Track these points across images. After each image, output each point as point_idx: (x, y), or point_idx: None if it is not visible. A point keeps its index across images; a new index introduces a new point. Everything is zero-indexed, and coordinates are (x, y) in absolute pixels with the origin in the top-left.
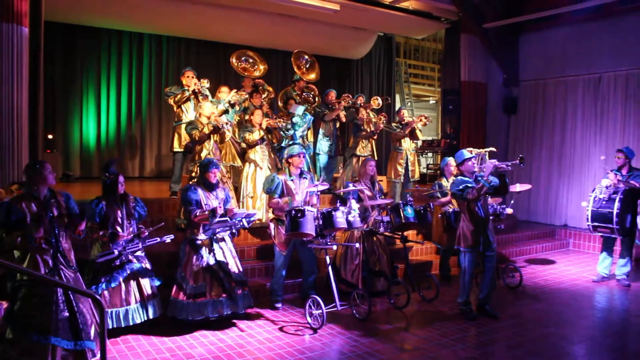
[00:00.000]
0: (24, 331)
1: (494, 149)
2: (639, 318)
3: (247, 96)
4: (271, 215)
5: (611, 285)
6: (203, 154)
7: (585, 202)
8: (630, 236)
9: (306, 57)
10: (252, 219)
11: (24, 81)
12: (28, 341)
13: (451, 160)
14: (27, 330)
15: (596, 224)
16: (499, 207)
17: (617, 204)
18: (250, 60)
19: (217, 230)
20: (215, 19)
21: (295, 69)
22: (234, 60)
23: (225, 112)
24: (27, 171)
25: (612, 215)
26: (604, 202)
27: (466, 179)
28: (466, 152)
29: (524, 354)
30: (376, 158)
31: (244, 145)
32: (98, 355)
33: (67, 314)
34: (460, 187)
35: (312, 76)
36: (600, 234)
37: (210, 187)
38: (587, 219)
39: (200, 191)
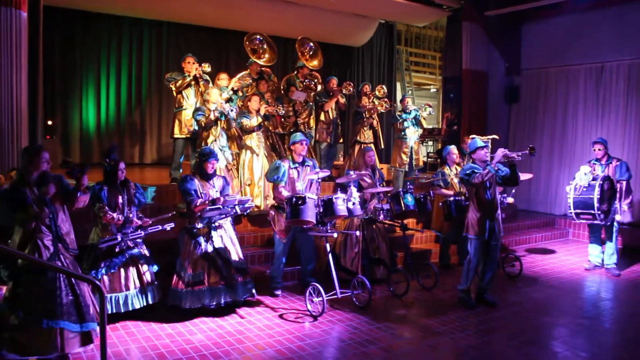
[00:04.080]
0: (32, 316)
1: (496, 137)
2: (633, 306)
3: (250, 82)
4: (270, 203)
5: (604, 273)
6: (209, 141)
7: (569, 187)
8: (612, 221)
9: (311, 44)
10: (246, 205)
11: (23, 66)
12: (38, 326)
13: (453, 149)
14: (35, 315)
15: (578, 211)
16: (500, 196)
17: (597, 190)
18: (264, 46)
19: (214, 218)
20: (216, 5)
21: (299, 56)
22: (246, 42)
23: (229, 100)
24: (23, 156)
25: (593, 201)
26: (584, 189)
27: (475, 165)
28: (479, 141)
29: (523, 342)
30: (382, 146)
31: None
32: None
33: (71, 297)
34: (468, 172)
35: (315, 63)
36: (583, 221)
37: (207, 177)
38: (569, 207)
39: (196, 181)
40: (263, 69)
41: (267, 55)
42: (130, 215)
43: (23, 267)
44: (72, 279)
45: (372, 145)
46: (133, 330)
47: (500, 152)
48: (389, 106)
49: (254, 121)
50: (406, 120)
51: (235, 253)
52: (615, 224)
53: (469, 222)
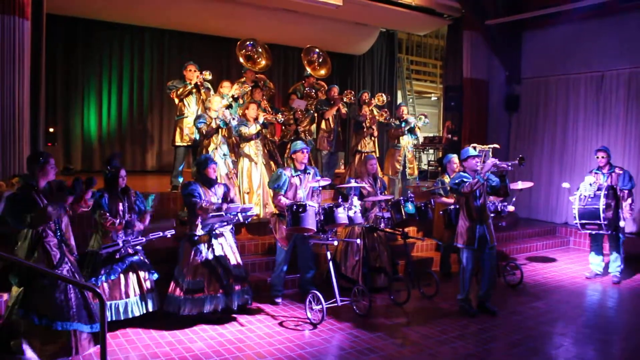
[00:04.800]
0: (45, 320)
1: (497, 146)
2: (635, 316)
3: (249, 89)
4: (270, 210)
5: (606, 282)
6: (210, 149)
7: (566, 184)
8: (616, 231)
9: (317, 50)
10: (248, 213)
11: (26, 74)
12: (50, 329)
13: (454, 158)
14: (51, 319)
15: (584, 221)
16: (500, 204)
17: (602, 200)
18: (258, 50)
19: (215, 225)
20: (217, 14)
21: (306, 64)
22: (238, 53)
23: (229, 106)
24: (32, 163)
25: (599, 211)
26: (589, 199)
27: (465, 174)
28: (471, 150)
29: (523, 351)
30: (378, 155)
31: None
32: None
33: (80, 299)
34: (457, 181)
35: (323, 72)
36: (588, 231)
37: (209, 184)
38: (575, 217)
39: (199, 186)
40: (257, 75)
41: (263, 62)
42: (132, 219)
43: (31, 273)
44: (78, 282)
45: (373, 154)
46: (133, 338)
47: (491, 162)
48: (387, 118)
49: (252, 129)
50: (400, 128)
51: (235, 261)
52: (620, 234)
53: (459, 231)
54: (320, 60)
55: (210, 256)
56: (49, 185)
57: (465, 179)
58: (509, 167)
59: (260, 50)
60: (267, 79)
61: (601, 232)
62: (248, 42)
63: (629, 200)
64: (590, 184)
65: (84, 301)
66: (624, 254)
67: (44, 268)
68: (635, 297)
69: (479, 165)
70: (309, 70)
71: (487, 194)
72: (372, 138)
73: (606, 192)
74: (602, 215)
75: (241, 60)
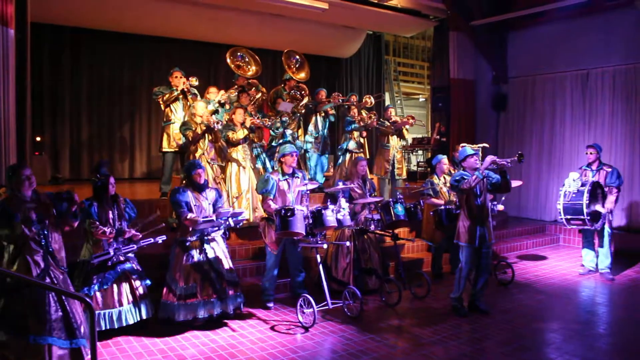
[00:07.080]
0: (20, 332)
1: (486, 145)
2: (626, 310)
3: (236, 94)
4: (259, 215)
5: (597, 278)
6: (197, 154)
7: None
8: (602, 226)
9: (297, 56)
10: (239, 218)
11: (11, 83)
12: (24, 342)
13: (444, 159)
14: (23, 331)
15: (568, 216)
16: (490, 203)
17: (585, 195)
18: (246, 59)
19: (206, 230)
20: (204, 19)
21: (286, 68)
22: (228, 60)
23: (215, 112)
24: (7, 175)
25: (582, 206)
26: (573, 195)
27: (466, 173)
28: (469, 149)
29: (516, 349)
30: (368, 156)
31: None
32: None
33: (61, 313)
34: (457, 178)
35: (302, 75)
36: (574, 226)
37: (199, 188)
38: (560, 213)
39: (189, 193)
40: (251, 80)
41: (253, 67)
42: (123, 227)
43: (11, 284)
44: (62, 295)
45: (362, 155)
46: (125, 347)
47: (489, 159)
48: (376, 119)
49: (239, 134)
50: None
51: (227, 265)
52: (607, 228)
53: (460, 230)
54: (298, 65)
55: (203, 261)
56: (36, 194)
57: (465, 177)
58: (508, 164)
59: (247, 59)
60: (258, 84)
61: (586, 227)
62: (239, 54)
63: (614, 196)
64: (574, 180)
65: (65, 315)
66: (613, 249)
67: (27, 277)
68: (626, 293)
69: (478, 163)
70: (289, 73)
71: (488, 191)
72: (362, 139)
73: (590, 188)
74: (585, 210)
75: (233, 68)
